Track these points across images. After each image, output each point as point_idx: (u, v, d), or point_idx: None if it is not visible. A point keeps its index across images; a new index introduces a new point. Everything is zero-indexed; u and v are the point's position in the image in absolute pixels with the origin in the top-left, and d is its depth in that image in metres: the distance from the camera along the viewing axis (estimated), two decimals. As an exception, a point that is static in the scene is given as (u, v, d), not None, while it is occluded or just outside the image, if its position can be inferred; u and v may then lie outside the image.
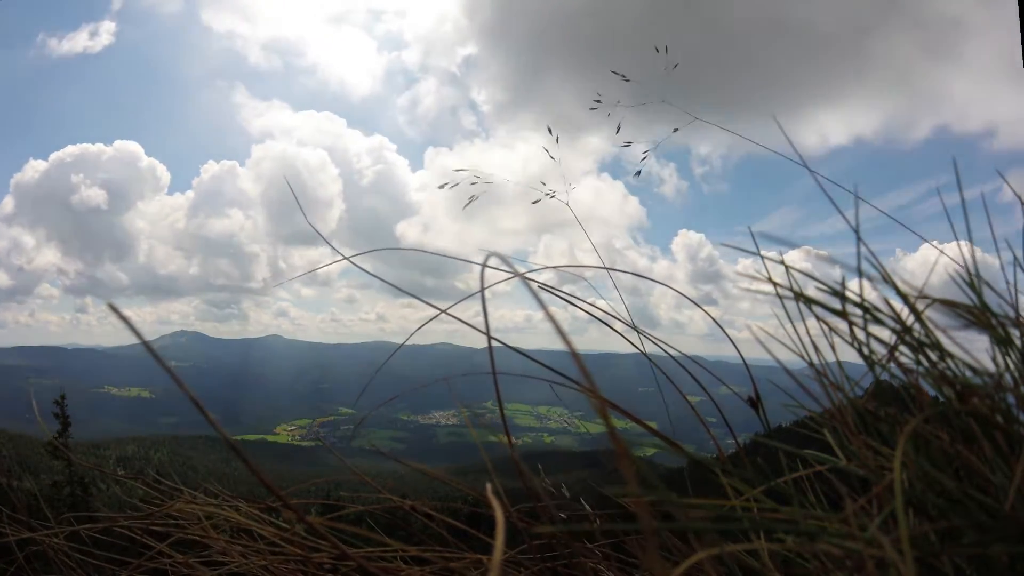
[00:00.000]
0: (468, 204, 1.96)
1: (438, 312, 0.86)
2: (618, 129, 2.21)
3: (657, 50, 2.17)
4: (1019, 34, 1.76)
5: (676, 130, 2.06)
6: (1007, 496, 0.57)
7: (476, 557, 0.97)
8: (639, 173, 2.41)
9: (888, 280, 0.70)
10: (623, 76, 2.08)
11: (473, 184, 1.91)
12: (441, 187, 1.99)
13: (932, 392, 0.69)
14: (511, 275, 0.66)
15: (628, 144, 2.21)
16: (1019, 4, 1.78)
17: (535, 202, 1.95)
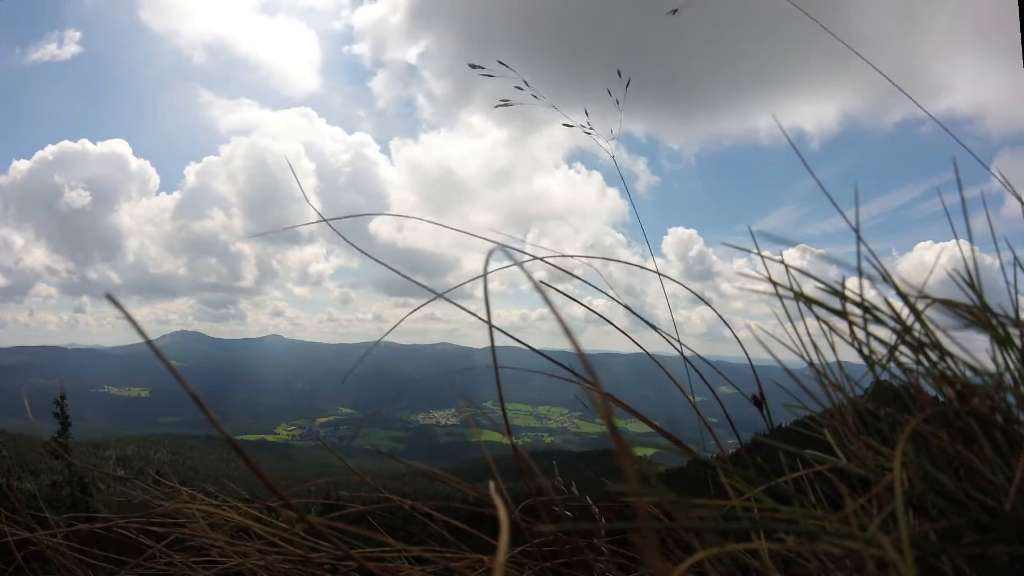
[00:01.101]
0: (500, 105, 1.96)
1: (434, 295, 0.85)
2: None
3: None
4: (1019, 34, 1.76)
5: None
6: (1007, 496, 0.57)
7: (477, 557, 0.97)
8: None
9: (888, 280, 0.70)
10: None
11: (520, 89, 1.89)
12: (497, 106, 1.97)
13: (932, 392, 0.69)
14: (514, 263, 0.66)
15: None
16: (1019, 4, 1.78)
17: (587, 131, 1.92)
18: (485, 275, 0.63)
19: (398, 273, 0.99)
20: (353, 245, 1.00)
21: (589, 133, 1.99)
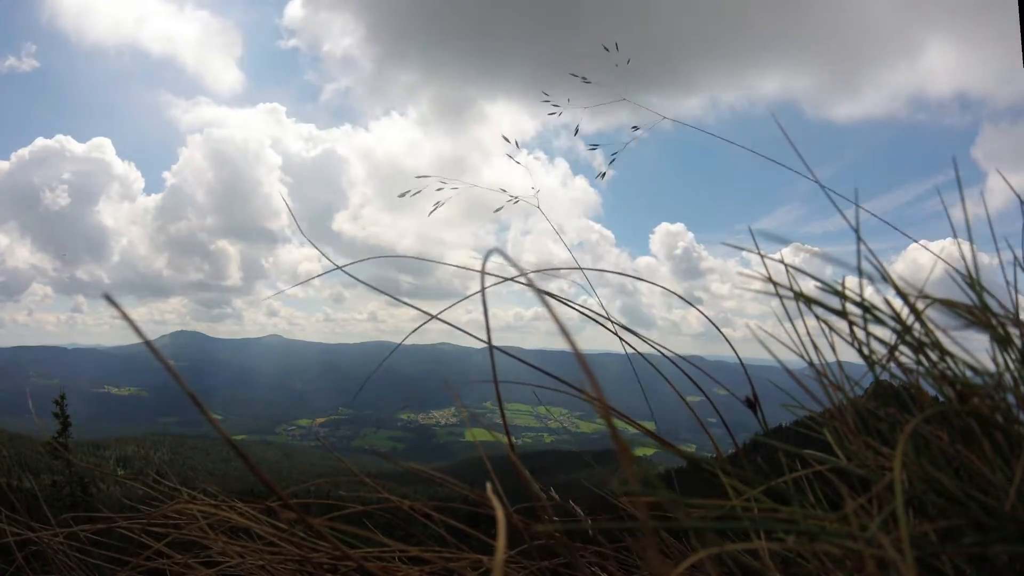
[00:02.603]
0: (434, 210, 1.94)
1: (430, 317, 0.86)
2: (576, 131, 2.21)
3: (607, 48, 2.15)
4: (1019, 34, 1.76)
5: (636, 128, 2.05)
6: (1007, 496, 0.57)
7: (476, 557, 0.97)
8: (603, 175, 2.40)
9: (888, 279, 0.70)
10: (584, 78, 2.07)
11: (439, 190, 1.89)
12: (402, 195, 1.96)
13: (932, 392, 0.69)
14: (509, 278, 0.66)
15: (595, 147, 2.20)
16: (1019, 4, 1.78)
17: (497, 210, 1.94)
18: (483, 289, 0.63)
19: (395, 298, 0.99)
20: (362, 282, 1.01)
21: (593, 147, 2.00)
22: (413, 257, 1.08)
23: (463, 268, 0.96)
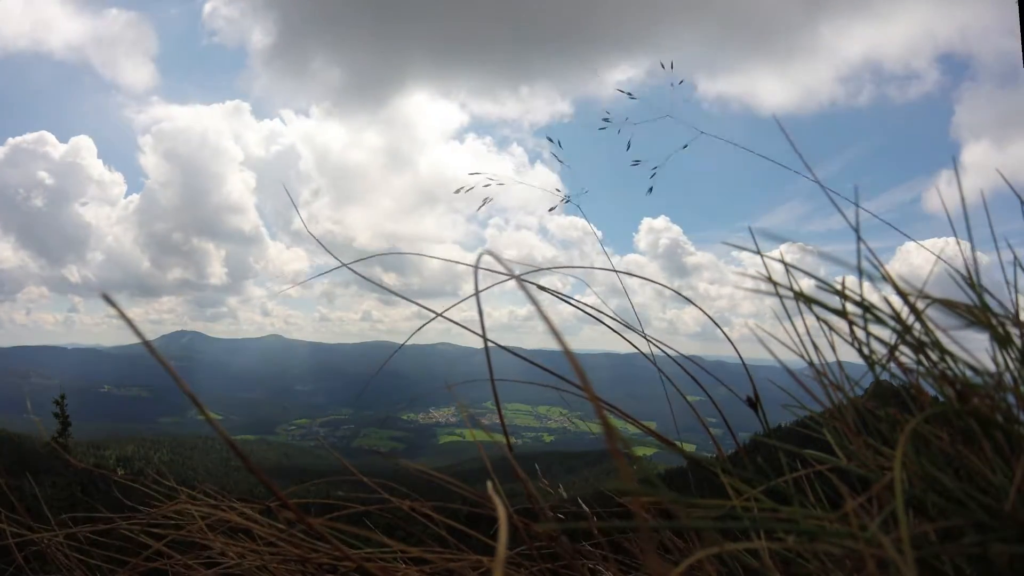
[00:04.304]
0: (481, 207, 1.96)
1: (435, 315, 0.86)
2: (628, 146, 2.22)
3: (663, 66, 2.19)
4: (1019, 34, 1.76)
5: (685, 147, 2.07)
6: (1007, 496, 0.57)
7: (476, 558, 0.97)
8: (651, 190, 2.39)
9: (888, 279, 0.69)
10: (629, 94, 2.09)
11: (486, 186, 1.91)
12: (457, 192, 1.98)
13: (932, 392, 0.69)
14: (511, 276, 0.66)
15: (637, 163, 2.22)
16: (1019, 4, 1.78)
17: (551, 209, 1.95)
18: (477, 292, 0.63)
19: (396, 294, 0.99)
20: (365, 277, 1.01)
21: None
22: (418, 255, 1.08)
23: (465, 265, 0.96)
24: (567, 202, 1.92)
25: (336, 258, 1.03)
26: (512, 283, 0.62)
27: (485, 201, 1.93)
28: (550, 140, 2.20)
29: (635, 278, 1.19)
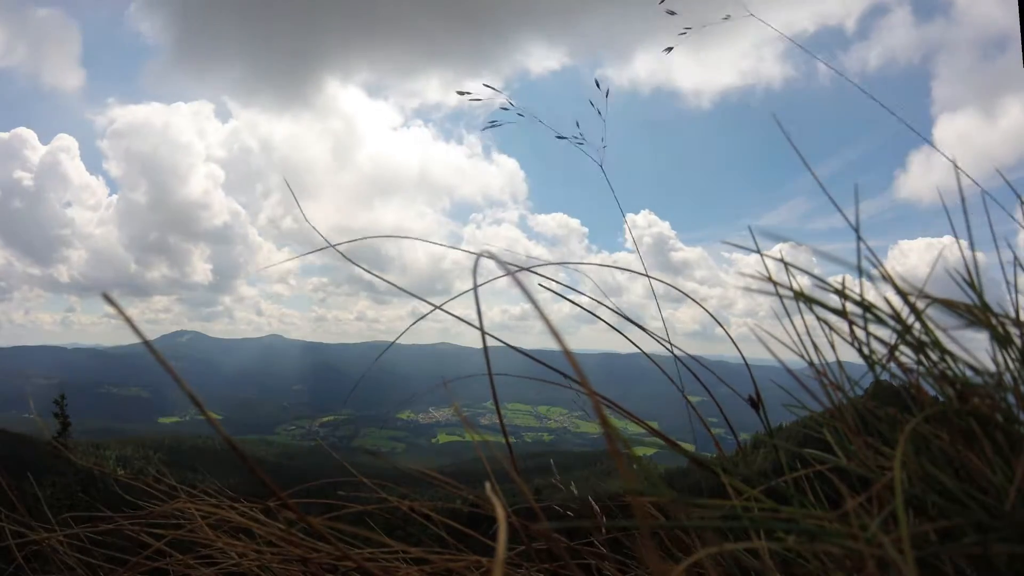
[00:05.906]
0: (489, 127, 1.91)
1: (433, 307, 0.85)
2: (684, 31, 2.07)
3: (598, 84, 2.08)
4: (1019, 34, 1.76)
5: (727, 16, 1.97)
6: (1007, 496, 0.57)
7: (476, 558, 0.97)
8: (669, 49, 2.22)
9: (888, 278, 0.69)
10: (670, 11, 2.00)
11: (505, 110, 1.84)
12: (461, 93, 1.91)
13: (932, 392, 0.69)
14: (508, 272, 0.66)
15: (670, 49, 2.10)
16: (1019, 4, 1.78)
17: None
18: (475, 288, 0.63)
19: (397, 288, 0.98)
20: (361, 266, 1.00)
21: (581, 144, 1.95)
22: (420, 239, 1.07)
23: (463, 251, 0.95)
24: (580, 143, 1.82)
25: (325, 239, 1.01)
26: (503, 282, 0.62)
27: (493, 123, 1.86)
28: (597, 85, 2.04)
29: (634, 275, 1.19)
